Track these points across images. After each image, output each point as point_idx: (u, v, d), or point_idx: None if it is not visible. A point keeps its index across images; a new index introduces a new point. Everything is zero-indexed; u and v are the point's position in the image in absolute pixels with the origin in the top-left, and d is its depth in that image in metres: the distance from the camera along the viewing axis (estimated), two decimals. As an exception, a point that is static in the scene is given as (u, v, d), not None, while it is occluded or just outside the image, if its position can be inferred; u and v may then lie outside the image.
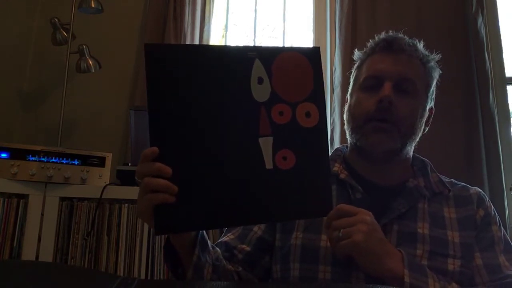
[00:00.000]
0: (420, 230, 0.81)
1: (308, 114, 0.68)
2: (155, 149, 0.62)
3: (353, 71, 0.98)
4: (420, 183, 0.88)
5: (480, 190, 0.92)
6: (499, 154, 1.85)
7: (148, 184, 0.62)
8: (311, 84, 0.68)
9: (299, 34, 2.39)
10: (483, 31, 1.97)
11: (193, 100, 0.63)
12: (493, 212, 0.88)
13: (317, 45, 2.22)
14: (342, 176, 0.89)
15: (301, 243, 0.83)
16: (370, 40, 0.94)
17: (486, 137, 1.86)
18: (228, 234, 0.91)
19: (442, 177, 0.92)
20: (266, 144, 0.65)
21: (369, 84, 0.88)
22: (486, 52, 1.94)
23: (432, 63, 0.92)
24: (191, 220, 0.63)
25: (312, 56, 0.69)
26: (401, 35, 0.92)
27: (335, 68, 2.05)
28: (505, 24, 2.11)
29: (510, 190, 1.87)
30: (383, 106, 0.83)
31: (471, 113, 1.89)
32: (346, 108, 0.95)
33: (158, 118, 0.62)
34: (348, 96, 0.96)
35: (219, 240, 0.90)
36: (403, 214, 0.82)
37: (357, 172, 0.91)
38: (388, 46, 0.89)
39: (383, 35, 0.93)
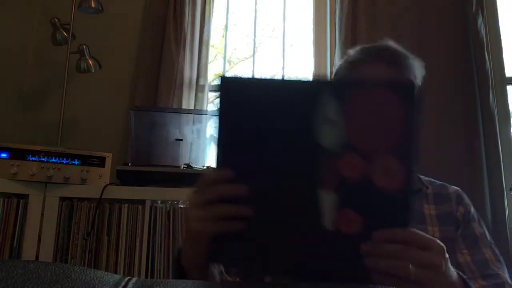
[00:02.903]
0: None
1: (387, 172, 0.52)
2: (230, 172, 0.57)
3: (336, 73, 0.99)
4: None
5: (459, 188, 0.94)
6: (499, 154, 1.85)
7: (225, 211, 0.57)
8: (399, 133, 0.53)
9: (299, 34, 2.39)
10: (483, 31, 1.97)
11: (259, 138, 0.58)
12: (472, 209, 0.90)
13: (317, 45, 2.23)
14: None
15: None
16: (351, 51, 0.95)
17: (486, 137, 1.86)
18: None
19: (420, 175, 0.94)
20: (327, 199, 0.54)
21: None
22: (486, 52, 1.94)
23: (415, 63, 0.91)
24: (246, 257, 0.59)
25: (404, 94, 0.53)
26: (381, 44, 0.92)
27: (335, 68, 2.05)
28: (505, 24, 2.11)
29: (510, 190, 1.87)
30: None
31: (471, 113, 1.89)
32: None
33: (225, 152, 0.58)
34: None
35: None
36: None
37: None
38: (377, 57, 0.89)
39: (361, 46, 0.94)
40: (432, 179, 0.94)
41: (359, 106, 0.53)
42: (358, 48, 0.95)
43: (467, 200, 0.91)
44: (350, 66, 0.93)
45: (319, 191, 0.54)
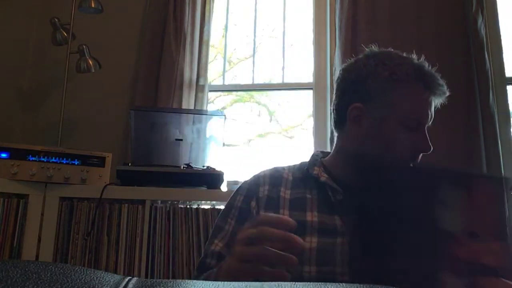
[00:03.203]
0: None
1: (492, 253, 0.59)
2: (291, 221, 0.57)
3: (372, 79, 0.89)
4: None
5: None
6: (499, 154, 1.85)
7: (269, 255, 0.54)
8: (501, 220, 0.61)
9: (299, 34, 2.39)
10: (483, 31, 1.97)
11: (380, 206, 0.61)
12: None
13: (317, 45, 2.23)
14: (322, 179, 0.89)
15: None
16: (405, 64, 0.89)
17: (486, 137, 1.86)
18: (215, 241, 0.89)
19: None
20: (447, 280, 0.58)
21: (412, 125, 0.86)
22: (486, 52, 1.94)
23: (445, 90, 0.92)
24: None
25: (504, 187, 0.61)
26: (435, 75, 0.89)
27: (335, 68, 2.05)
28: (505, 24, 2.11)
29: (510, 190, 1.87)
30: (420, 156, 0.86)
31: (471, 113, 1.89)
32: (371, 129, 0.89)
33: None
34: (375, 114, 0.88)
35: (211, 249, 0.88)
36: None
37: (335, 176, 0.91)
38: (430, 83, 0.88)
39: (419, 62, 0.89)
40: None
41: (479, 196, 0.59)
42: (400, 61, 0.89)
43: None
44: (397, 82, 0.87)
45: (438, 271, 0.57)
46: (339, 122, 0.94)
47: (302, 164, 0.98)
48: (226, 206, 0.95)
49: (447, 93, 0.90)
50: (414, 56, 0.91)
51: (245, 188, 0.95)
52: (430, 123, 0.90)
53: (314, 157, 0.98)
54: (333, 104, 0.96)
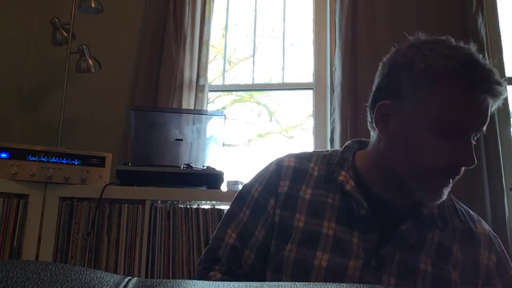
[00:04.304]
0: (422, 266, 0.74)
1: None
2: None
3: (405, 72, 0.74)
4: (434, 210, 0.78)
5: (489, 227, 0.83)
6: (499, 154, 1.85)
7: None
8: None
9: (299, 34, 2.39)
10: (483, 31, 1.97)
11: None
12: (505, 254, 0.81)
13: (317, 45, 2.23)
14: (348, 187, 0.78)
15: (294, 257, 0.76)
16: (448, 55, 0.70)
17: (486, 137, 1.86)
18: (229, 231, 0.83)
19: (455, 200, 0.83)
20: None
21: (449, 132, 0.70)
22: (486, 52, 1.94)
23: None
24: None
25: None
26: (490, 66, 0.70)
27: (335, 68, 2.05)
28: (505, 24, 2.11)
29: (510, 190, 1.86)
30: (461, 170, 0.73)
31: (471, 113, 1.89)
32: (397, 130, 0.74)
33: None
34: (404, 114, 0.73)
35: (225, 240, 0.83)
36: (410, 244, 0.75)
37: (366, 183, 0.80)
38: (480, 80, 0.69)
39: (469, 53, 0.70)
40: (462, 206, 0.83)
41: None
42: (445, 51, 0.71)
43: (498, 245, 0.80)
44: (432, 76, 0.70)
45: None
46: (370, 120, 0.80)
47: (333, 157, 0.85)
48: (241, 191, 0.87)
49: (505, 94, 0.70)
50: (472, 47, 0.72)
51: (265, 178, 0.85)
52: (484, 129, 0.72)
53: (345, 153, 0.84)
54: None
